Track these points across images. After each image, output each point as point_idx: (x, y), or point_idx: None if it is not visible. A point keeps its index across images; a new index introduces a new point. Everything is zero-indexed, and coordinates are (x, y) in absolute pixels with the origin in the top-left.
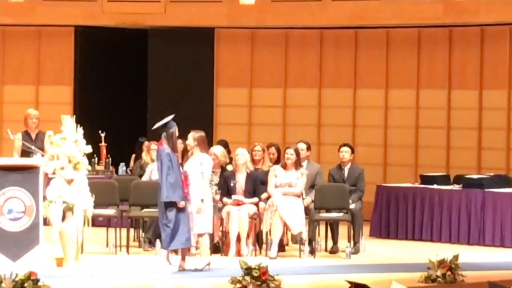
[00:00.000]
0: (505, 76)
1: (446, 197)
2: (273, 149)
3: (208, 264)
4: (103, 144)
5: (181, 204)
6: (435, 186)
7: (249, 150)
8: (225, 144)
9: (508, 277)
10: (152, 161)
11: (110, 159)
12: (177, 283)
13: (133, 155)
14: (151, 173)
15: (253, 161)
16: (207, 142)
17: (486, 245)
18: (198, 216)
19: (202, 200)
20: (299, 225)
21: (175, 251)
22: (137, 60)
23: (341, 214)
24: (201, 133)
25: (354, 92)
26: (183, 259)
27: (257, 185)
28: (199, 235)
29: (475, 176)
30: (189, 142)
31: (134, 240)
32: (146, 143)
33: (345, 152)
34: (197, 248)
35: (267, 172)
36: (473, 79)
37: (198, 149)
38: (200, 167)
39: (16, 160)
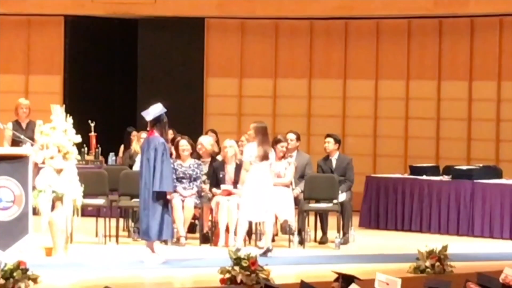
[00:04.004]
0: (494, 67)
1: (436, 188)
2: None
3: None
4: (92, 133)
5: (172, 195)
6: (424, 177)
7: (237, 141)
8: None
9: (497, 267)
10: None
11: (99, 148)
12: (166, 273)
13: (122, 145)
14: None
15: (240, 151)
16: (264, 133)
17: (475, 236)
18: (255, 204)
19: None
20: (286, 214)
21: (165, 241)
22: (127, 50)
23: (330, 205)
24: (262, 124)
25: (344, 83)
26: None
27: None
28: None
29: (465, 167)
30: (250, 133)
31: (123, 230)
32: (134, 132)
33: (328, 143)
34: (186, 238)
35: None
36: (463, 70)
37: (256, 139)
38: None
39: (6, 149)
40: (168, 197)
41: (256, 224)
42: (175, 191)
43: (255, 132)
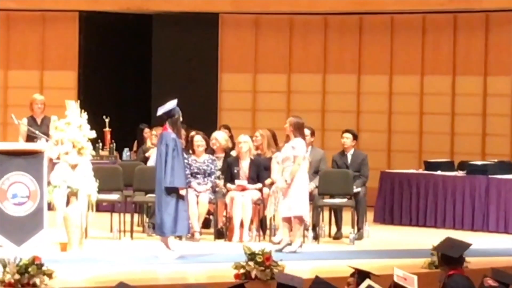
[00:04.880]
0: (509, 62)
1: (450, 183)
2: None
3: (300, 246)
4: (107, 129)
5: (183, 191)
6: (439, 172)
7: (251, 137)
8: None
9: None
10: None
11: (114, 144)
12: (180, 268)
13: (135, 142)
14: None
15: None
16: (301, 128)
17: (490, 231)
18: (291, 199)
19: (285, 181)
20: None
21: (179, 237)
22: (142, 45)
23: (345, 200)
24: (298, 119)
25: (358, 78)
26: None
27: (260, 171)
28: (295, 218)
29: (479, 163)
30: (286, 126)
31: (138, 225)
32: (147, 130)
33: (347, 138)
34: (201, 233)
35: (270, 158)
36: (477, 65)
37: (293, 134)
38: (292, 151)
39: (21, 145)
40: (181, 192)
41: (270, 219)
42: (189, 187)
43: (295, 127)
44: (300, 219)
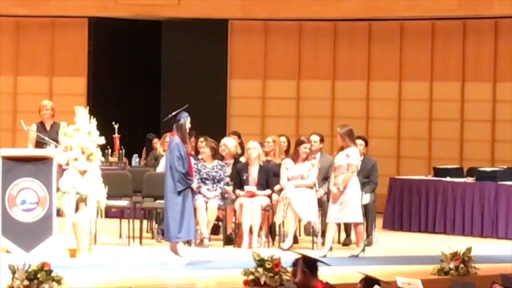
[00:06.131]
0: None
1: (459, 189)
2: (283, 138)
3: (363, 250)
4: (116, 135)
5: (194, 185)
6: (448, 179)
7: (261, 143)
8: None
9: None
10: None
11: (123, 150)
12: (189, 275)
13: (144, 148)
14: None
15: (264, 152)
16: (352, 135)
17: (499, 238)
18: (347, 206)
19: (338, 189)
20: (310, 215)
21: (188, 243)
22: (151, 51)
23: None
24: (348, 127)
25: (368, 84)
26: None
27: (269, 177)
28: (355, 224)
29: (489, 169)
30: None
31: (147, 232)
32: (155, 140)
33: (360, 145)
34: (210, 239)
35: (279, 164)
36: (487, 72)
37: (345, 143)
38: (347, 159)
39: (30, 151)
40: (193, 188)
41: (279, 225)
42: (199, 192)
43: (346, 135)
44: (359, 224)
